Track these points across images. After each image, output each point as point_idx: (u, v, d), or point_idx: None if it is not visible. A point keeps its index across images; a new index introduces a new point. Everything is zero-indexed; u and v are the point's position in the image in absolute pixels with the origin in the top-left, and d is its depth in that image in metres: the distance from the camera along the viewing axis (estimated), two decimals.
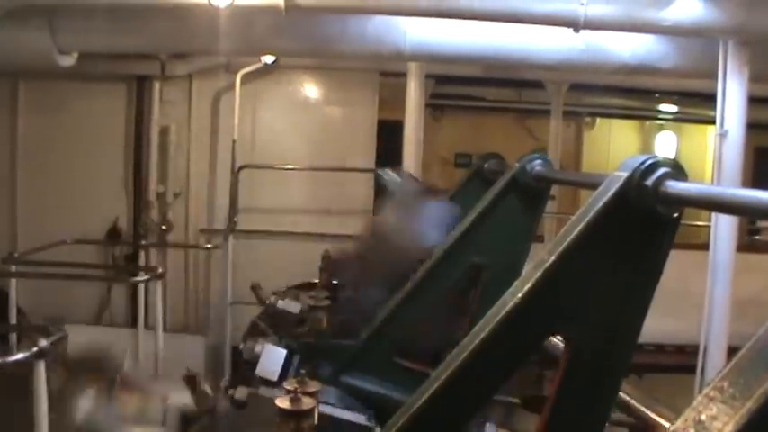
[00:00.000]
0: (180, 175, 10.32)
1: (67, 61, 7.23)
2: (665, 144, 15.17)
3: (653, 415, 2.96)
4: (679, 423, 1.21)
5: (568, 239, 1.98)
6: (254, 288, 5.00)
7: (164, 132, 10.16)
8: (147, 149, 10.11)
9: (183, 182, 10.34)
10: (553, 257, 1.99)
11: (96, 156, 10.04)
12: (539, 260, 2.05)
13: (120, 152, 10.20)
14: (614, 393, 2.20)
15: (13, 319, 7.28)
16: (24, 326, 7.42)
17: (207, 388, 2.92)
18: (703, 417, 1.18)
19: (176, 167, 10.28)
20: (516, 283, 2.07)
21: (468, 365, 2.04)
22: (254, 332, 5.21)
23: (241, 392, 2.76)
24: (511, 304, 2.01)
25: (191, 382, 3.00)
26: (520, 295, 2.01)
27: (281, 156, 10.27)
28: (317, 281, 5.91)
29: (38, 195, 9.89)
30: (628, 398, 2.91)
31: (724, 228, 5.83)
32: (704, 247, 6.17)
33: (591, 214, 1.97)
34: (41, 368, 4.13)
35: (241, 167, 10.04)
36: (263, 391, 2.85)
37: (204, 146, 10.39)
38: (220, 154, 10.33)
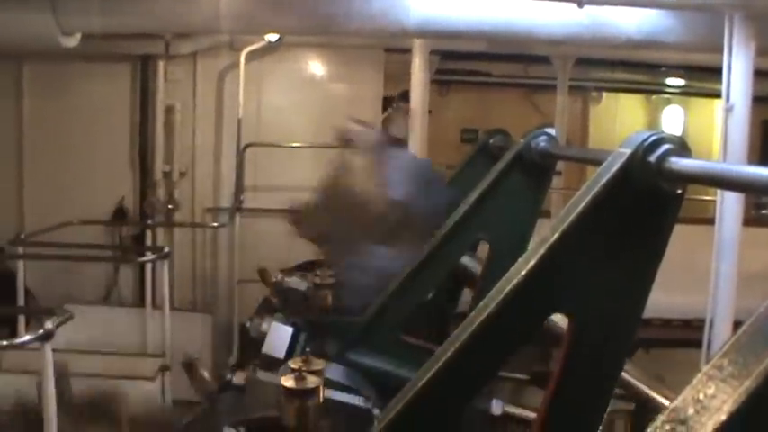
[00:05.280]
0: (185, 154, 10.32)
1: (71, 42, 7.21)
2: (672, 118, 15.10)
3: (654, 394, 2.96)
4: (678, 401, 1.21)
5: (571, 217, 1.98)
6: (261, 272, 4.98)
7: (169, 111, 10.15)
8: (152, 129, 10.10)
9: (188, 161, 10.35)
10: (556, 235, 1.99)
11: (102, 136, 10.04)
12: (542, 238, 2.05)
13: (126, 132, 10.20)
14: (618, 369, 2.20)
15: (21, 301, 7.31)
16: (31, 308, 7.44)
17: (205, 374, 2.92)
18: (702, 395, 1.18)
19: (182, 146, 10.28)
20: (520, 260, 2.07)
21: (472, 342, 2.04)
22: (266, 310, 5.21)
23: (239, 377, 2.76)
24: (514, 282, 2.02)
25: (189, 368, 3.01)
26: (523, 273, 2.01)
27: (287, 134, 10.26)
28: (323, 258, 5.93)
29: (44, 177, 9.90)
30: (629, 377, 2.92)
31: (730, 202, 5.80)
32: (711, 221, 6.15)
33: (594, 191, 1.97)
34: (48, 350, 4.15)
35: (246, 146, 10.04)
36: (261, 375, 2.85)
37: (209, 124, 10.38)
38: (226, 132, 10.32)
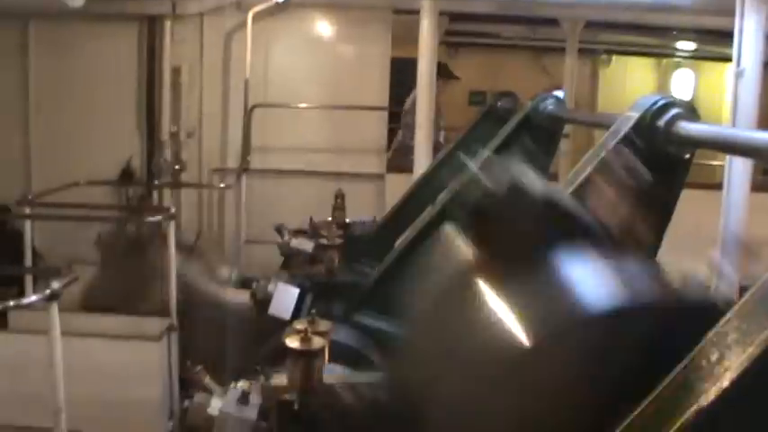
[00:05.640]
0: (193, 114, 10.29)
1: (77, 2, 7.16)
2: (683, 82, 15.00)
3: None
4: (681, 367, 1.21)
5: (578, 181, 1.97)
6: (279, 229, 4.99)
7: (176, 72, 10.09)
8: (159, 89, 10.05)
9: (195, 121, 10.32)
10: None
11: (108, 96, 10.00)
12: None
13: (133, 92, 10.16)
14: None
15: (29, 261, 7.32)
16: (37, 268, 7.45)
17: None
18: (705, 362, 1.18)
19: (189, 107, 10.24)
20: None
21: None
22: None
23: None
24: None
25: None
26: None
27: (294, 94, 10.22)
28: (330, 219, 5.93)
29: (50, 137, 9.88)
30: None
31: (738, 167, 5.77)
32: (718, 186, 6.12)
33: (602, 155, 1.95)
34: (55, 310, 4.17)
35: (253, 107, 10.00)
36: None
37: (217, 85, 10.34)
38: (233, 93, 10.28)
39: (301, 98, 10.20)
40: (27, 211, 7.52)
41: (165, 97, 10.03)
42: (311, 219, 5.87)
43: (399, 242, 4.25)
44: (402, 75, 10.40)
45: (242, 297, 4.80)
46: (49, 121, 9.89)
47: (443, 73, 10.51)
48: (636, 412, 1.22)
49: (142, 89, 10.13)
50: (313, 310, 3.04)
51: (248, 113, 10.00)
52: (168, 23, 9.84)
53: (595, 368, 1.44)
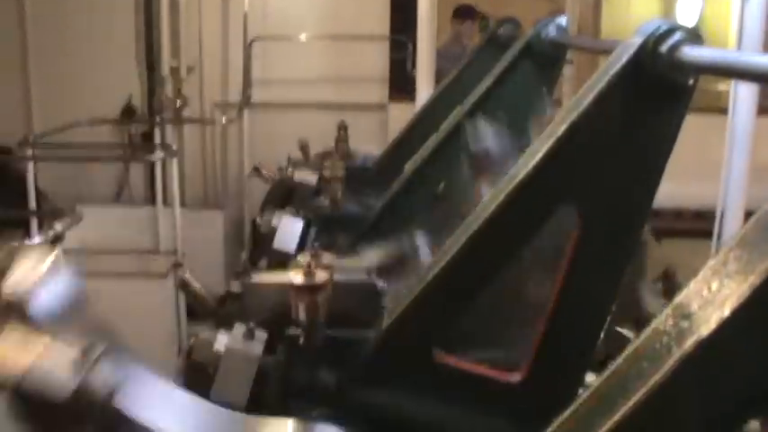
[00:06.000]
0: (192, 48, 10.21)
1: None
2: (688, 6, 14.75)
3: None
4: (682, 296, 1.20)
5: (579, 109, 1.94)
6: (257, 170, 4.92)
7: (174, 6, 9.99)
8: (157, 24, 9.96)
9: (196, 56, 10.23)
10: (564, 126, 1.96)
11: (107, 33, 9.91)
12: (549, 130, 2.02)
13: (131, 28, 10.07)
14: (627, 262, 2.19)
15: (33, 203, 7.31)
16: (40, 210, 7.45)
17: (200, 288, 2.90)
18: (706, 291, 1.17)
19: (188, 41, 10.16)
20: (527, 151, 2.05)
21: (480, 235, 2.04)
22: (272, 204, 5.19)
23: (234, 286, 2.74)
24: (522, 174, 2.00)
25: (183, 286, 3.00)
26: (531, 165, 1.99)
27: (294, 25, 10.12)
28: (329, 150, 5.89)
29: (50, 76, 9.82)
30: None
31: (744, 92, 5.72)
32: (724, 111, 6.07)
33: (603, 82, 1.92)
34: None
35: (253, 40, 9.91)
36: (256, 278, 2.82)
37: (216, 18, 10.24)
38: (232, 25, 10.18)
39: (301, 28, 10.10)
40: (29, 152, 7.50)
41: (164, 32, 9.94)
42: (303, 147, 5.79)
43: (408, 166, 4.21)
44: (404, 2, 10.27)
45: None
46: (48, 59, 9.83)
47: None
48: (636, 343, 1.21)
49: (140, 24, 10.03)
50: (316, 243, 3.02)
51: (248, 47, 9.91)
52: None
53: None
